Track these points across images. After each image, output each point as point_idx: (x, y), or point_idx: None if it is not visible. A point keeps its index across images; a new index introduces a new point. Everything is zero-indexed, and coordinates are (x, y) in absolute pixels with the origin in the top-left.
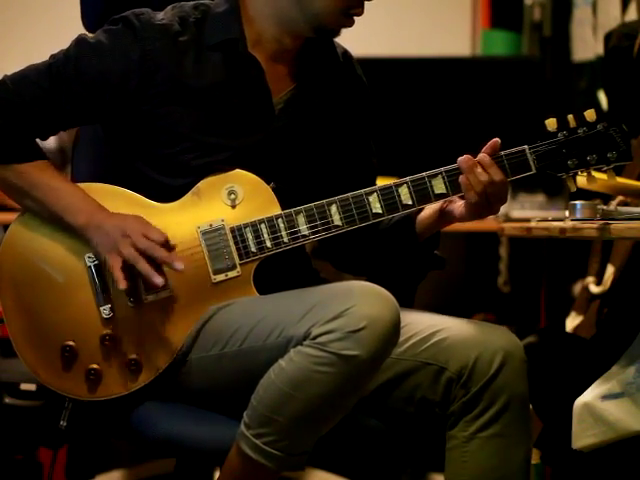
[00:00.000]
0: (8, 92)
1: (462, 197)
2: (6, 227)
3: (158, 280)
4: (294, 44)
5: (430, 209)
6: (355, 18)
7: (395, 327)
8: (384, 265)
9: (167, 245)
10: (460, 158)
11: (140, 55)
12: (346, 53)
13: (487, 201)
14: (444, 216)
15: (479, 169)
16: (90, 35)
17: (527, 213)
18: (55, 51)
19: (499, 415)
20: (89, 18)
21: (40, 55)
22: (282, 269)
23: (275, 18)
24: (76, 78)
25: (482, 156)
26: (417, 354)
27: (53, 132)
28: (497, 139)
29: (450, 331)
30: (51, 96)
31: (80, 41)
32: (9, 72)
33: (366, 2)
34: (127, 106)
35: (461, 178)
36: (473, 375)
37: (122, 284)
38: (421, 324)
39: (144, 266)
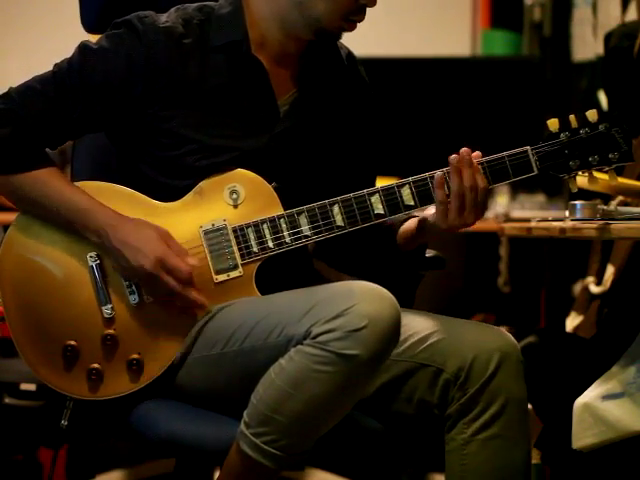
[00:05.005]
0: (14, 104)
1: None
2: (6, 227)
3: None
4: (297, 47)
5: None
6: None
7: (396, 327)
8: (378, 266)
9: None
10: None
11: (144, 58)
12: (350, 54)
13: (463, 207)
14: (423, 226)
15: (465, 172)
16: (93, 41)
17: (527, 213)
18: (54, 51)
19: (497, 416)
20: (88, 18)
21: (40, 56)
22: (284, 269)
23: (277, 21)
24: (81, 85)
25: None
26: (414, 355)
27: (61, 142)
28: (477, 152)
29: (447, 332)
30: (57, 105)
31: (83, 48)
32: (9, 72)
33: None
34: (132, 110)
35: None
36: (470, 376)
37: (206, 303)
38: (418, 325)
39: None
